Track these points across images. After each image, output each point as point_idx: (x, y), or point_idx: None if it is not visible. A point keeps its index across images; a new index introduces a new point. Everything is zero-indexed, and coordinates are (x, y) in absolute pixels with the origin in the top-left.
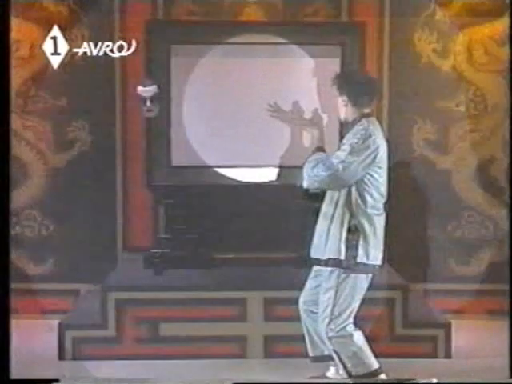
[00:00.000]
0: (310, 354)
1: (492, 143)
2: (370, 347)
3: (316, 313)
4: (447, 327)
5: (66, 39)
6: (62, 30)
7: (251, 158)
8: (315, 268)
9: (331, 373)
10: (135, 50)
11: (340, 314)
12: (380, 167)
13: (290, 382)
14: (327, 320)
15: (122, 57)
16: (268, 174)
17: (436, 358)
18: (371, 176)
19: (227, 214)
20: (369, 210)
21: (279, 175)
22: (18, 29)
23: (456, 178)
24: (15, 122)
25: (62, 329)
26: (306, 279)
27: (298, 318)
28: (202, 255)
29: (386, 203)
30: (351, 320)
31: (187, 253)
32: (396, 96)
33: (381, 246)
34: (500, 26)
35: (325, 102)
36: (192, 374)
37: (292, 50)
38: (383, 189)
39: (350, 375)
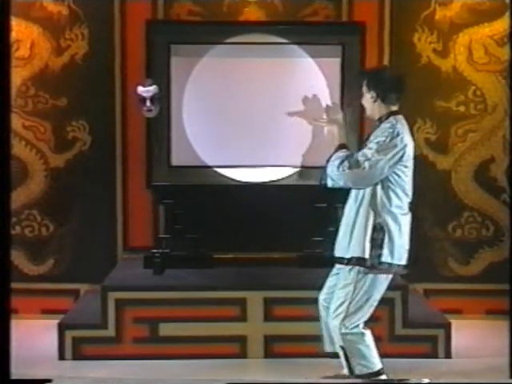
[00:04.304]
0: (328, 349)
1: (492, 143)
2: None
3: None
4: (447, 327)
5: (66, 39)
6: (62, 29)
7: (251, 158)
8: (337, 266)
9: (346, 371)
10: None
11: (355, 312)
12: (406, 166)
13: (290, 382)
14: (342, 316)
15: (121, 57)
16: (268, 174)
17: (436, 358)
18: (397, 175)
19: (227, 214)
20: (394, 209)
21: (279, 175)
22: (18, 29)
23: (456, 178)
24: (15, 122)
25: (61, 329)
26: (305, 279)
27: (297, 318)
28: (202, 255)
29: (411, 203)
30: (365, 319)
31: (187, 253)
32: None
33: (406, 246)
34: (500, 26)
35: (329, 101)
36: (192, 374)
37: (292, 50)
38: (408, 188)
39: (352, 373)
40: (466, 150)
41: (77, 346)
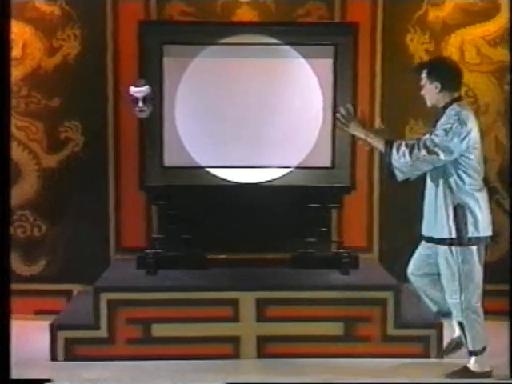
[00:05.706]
0: (434, 309)
1: (484, 144)
2: None
3: (430, 274)
4: (439, 327)
5: (58, 39)
6: (54, 30)
7: (244, 159)
8: (426, 244)
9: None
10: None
11: (468, 286)
12: (475, 147)
13: (286, 382)
14: (459, 293)
15: (114, 57)
16: (261, 175)
17: (428, 358)
18: (467, 157)
19: (220, 215)
20: (469, 188)
21: (272, 175)
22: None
23: None
24: None
25: (54, 329)
26: (299, 279)
27: (290, 319)
28: (195, 256)
29: (483, 178)
30: (479, 291)
31: (180, 253)
32: (388, 96)
33: (489, 218)
34: (492, 26)
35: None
36: (184, 374)
37: (285, 51)
38: (480, 166)
39: (467, 346)
40: None
41: (69, 347)
